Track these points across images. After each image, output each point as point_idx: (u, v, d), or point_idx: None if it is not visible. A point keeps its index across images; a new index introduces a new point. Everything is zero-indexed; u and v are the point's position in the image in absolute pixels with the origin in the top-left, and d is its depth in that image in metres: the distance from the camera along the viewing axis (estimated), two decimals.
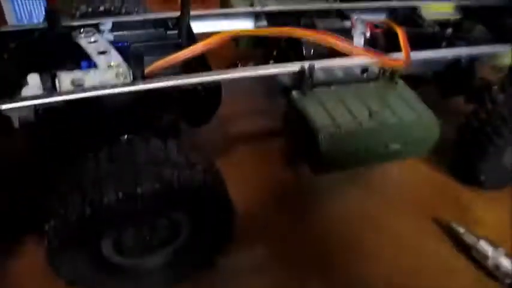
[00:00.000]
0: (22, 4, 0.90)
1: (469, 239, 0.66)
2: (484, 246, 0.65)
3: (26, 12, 0.92)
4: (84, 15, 0.70)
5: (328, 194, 0.73)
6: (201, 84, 0.56)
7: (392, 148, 0.61)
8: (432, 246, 0.68)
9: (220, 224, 0.54)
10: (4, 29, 0.65)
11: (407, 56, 0.65)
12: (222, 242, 0.56)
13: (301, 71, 0.60)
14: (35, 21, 0.93)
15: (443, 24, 0.90)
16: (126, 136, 0.53)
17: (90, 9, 0.71)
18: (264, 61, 0.69)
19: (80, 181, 0.47)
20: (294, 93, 0.62)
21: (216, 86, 0.57)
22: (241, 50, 0.77)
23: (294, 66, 0.61)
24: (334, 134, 0.56)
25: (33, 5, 0.92)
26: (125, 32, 0.68)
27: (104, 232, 0.49)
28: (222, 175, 0.54)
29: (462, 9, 0.93)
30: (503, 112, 0.69)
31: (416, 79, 0.77)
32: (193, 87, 0.56)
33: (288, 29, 0.63)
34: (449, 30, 0.88)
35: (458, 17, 0.92)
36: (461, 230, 0.67)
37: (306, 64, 0.61)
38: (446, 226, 0.69)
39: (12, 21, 0.91)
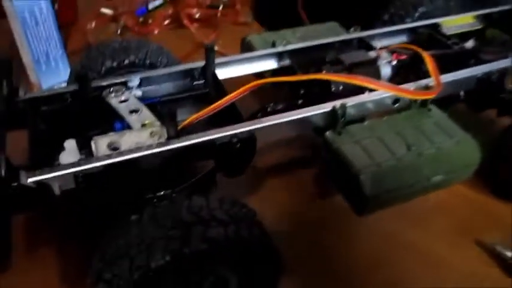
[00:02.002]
0: (38, 45, 0.92)
1: None
2: None
3: (43, 53, 0.94)
4: (110, 71, 0.71)
5: (365, 224, 0.71)
6: (234, 136, 0.56)
7: (435, 180, 0.60)
8: (480, 271, 0.66)
9: (267, 277, 0.54)
10: (35, 94, 0.66)
11: (439, 83, 0.64)
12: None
13: (334, 111, 0.60)
14: (53, 63, 0.95)
15: (466, 36, 0.90)
16: (167, 195, 0.53)
17: (115, 64, 0.72)
18: (292, 100, 0.68)
19: (126, 245, 0.47)
20: (328, 133, 0.61)
21: (250, 137, 0.57)
22: (267, 90, 0.78)
23: (325, 107, 0.61)
24: (375, 174, 0.56)
25: (49, 45, 0.94)
26: (153, 87, 0.69)
27: None
28: (264, 227, 0.54)
29: (484, 17, 0.92)
30: None
31: (447, 99, 0.77)
32: (228, 141, 0.56)
33: (315, 75, 0.63)
34: (475, 44, 0.87)
35: (480, 26, 0.91)
36: (509, 253, 0.65)
37: (338, 103, 0.60)
38: (491, 249, 0.67)
39: (29, 62, 0.92)
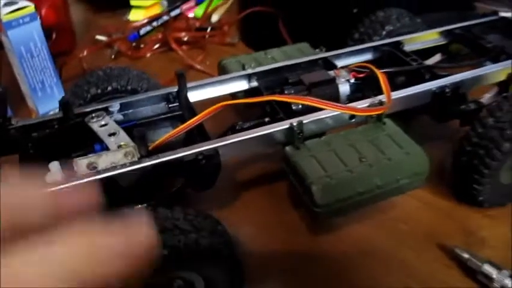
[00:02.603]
0: (34, 75, 1.00)
1: (474, 263, 0.69)
2: (489, 269, 0.67)
3: (39, 82, 1.01)
4: (94, 97, 0.78)
5: (336, 232, 0.77)
6: (200, 153, 0.63)
7: (386, 188, 0.65)
8: (439, 274, 0.71)
9: (231, 283, 0.59)
10: (28, 121, 0.72)
11: (389, 99, 0.70)
12: None
13: (290, 128, 0.66)
14: (48, 90, 1.03)
15: (432, 52, 0.95)
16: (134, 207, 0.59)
17: (99, 91, 0.79)
18: (260, 117, 0.74)
19: None
20: (288, 148, 0.67)
21: (214, 154, 0.63)
22: (241, 108, 0.84)
23: (284, 124, 0.67)
24: (326, 184, 0.61)
25: (44, 74, 1.02)
26: (133, 111, 0.76)
27: None
28: (229, 235, 0.60)
29: (448, 33, 0.97)
30: (493, 135, 0.72)
31: (408, 112, 0.82)
32: (194, 158, 0.62)
33: (270, 97, 0.69)
34: (433, 59, 0.93)
35: (443, 42, 0.97)
36: (466, 255, 0.70)
37: (295, 121, 0.66)
38: (451, 252, 0.72)
39: (26, 90, 1.01)
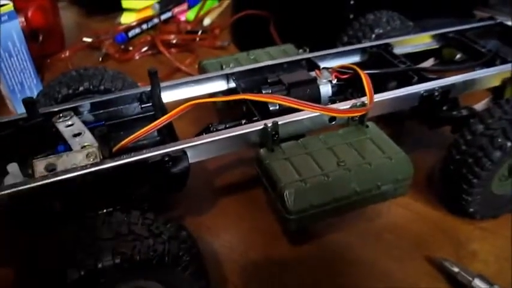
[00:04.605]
0: (12, 75, 0.97)
1: (464, 278, 0.64)
2: (479, 284, 0.63)
3: (18, 83, 0.99)
4: (66, 98, 0.75)
5: (316, 239, 0.73)
6: (167, 155, 0.59)
7: (365, 194, 0.61)
8: (426, 286, 0.66)
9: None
10: None
11: (371, 100, 0.66)
12: None
13: (265, 129, 0.62)
14: (27, 91, 1.00)
15: (421, 56, 0.91)
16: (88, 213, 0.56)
17: (70, 91, 0.75)
18: (238, 119, 0.70)
19: (46, 263, 0.49)
20: (261, 150, 0.63)
21: (182, 156, 0.59)
22: (220, 111, 0.80)
23: (258, 125, 0.63)
24: (299, 189, 0.57)
25: (23, 75, 0.99)
26: (103, 111, 0.72)
27: None
28: (192, 240, 0.56)
29: (441, 37, 0.93)
30: (483, 143, 0.68)
31: (397, 116, 0.78)
32: (160, 159, 0.58)
33: (243, 95, 0.65)
34: (425, 64, 0.89)
35: (436, 46, 0.93)
36: (456, 269, 0.65)
37: (269, 122, 0.62)
38: (439, 264, 0.67)
39: (5, 92, 0.99)
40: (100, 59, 1.26)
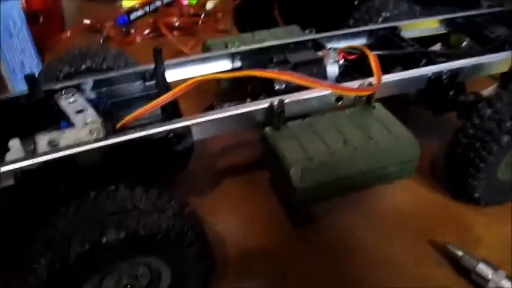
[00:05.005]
0: (13, 55, 0.96)
1: (468, 262, 0.63)
2: (484, 269, 0.62)
3: (19, 63, 0.97)
4: (67, 76, 0.74)
5: (319, 222, 0.72)
6: (171, 131, 0.58)
7: (371, 174, 0.60)
8: (430, 271, 0.65)
9: (200, 268, 0.54)
10: None
11: (379, 80, 0.65)
12: (205, 284, 0.57)
13: (271, 107, 0.61)
14: (28, 72, 0.98)
15: (429, 40, 0.90)
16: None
17: (72, 70, 0.74)
18: (243, 99, 0.69)
19: (50, 237, 0.48)
20: (267, 129, 0.62)
21: (186, 132, 0.58)
22: (224, 91, 0.79)
23: (264, 103, 0.62)
24: (306, 167, 0.56)
25: (24, 56, 0.98)
26: (106, 89, 0.71)
27: (80, 285, 0.50)
28: (196, 218, 0.55)
29: (449, 22, 0.92)
30: (491, 127, 0.67)
31: (403, 99, 0.77)
32: (164, 136, 0.57)
33: (249, 72, 0.64)
34: (434, 46, 0.88)
35: (444, 31, 0.92)
36: (460, 252, 0.65)
37: (276, 100, 0.61)
38: (443, 249, 0.67)
39: (5, 72, 0.96)
40: (101, 41, 1.24)
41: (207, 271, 0.56)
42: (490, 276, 0.61)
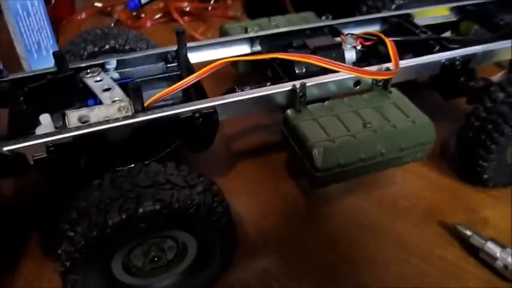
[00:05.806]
0: (30, 35, 0.97)
1: (476, 241, 0.66)
2: (492, 247, 0.65)
3: (35, 42, 0.98)
4: (91, 55, 0.75)
5: (332, 204, 0.75)
6: (197, 111, 0.60)
7: (389, 156, 0.62)
8: (439, 250, 0.68)
9: (225, 242, 0.57)
10: (19, 75, 0.70)
11: (396, 65, 0.67)
12: (228, 258, 0.59)
13: (293, 90, 0.63)
14: (44, 52, 0.99)
15: (439, 28, 0.92)
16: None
17: (96, 49, 0.76)
18: (262, 83, 0.71)
19: (87, 206, 0.50)
20: (289, 111, 0.64)
21: (212, 112, 0.60)
22: (241, 75, 0.81)
23: (286, 86, 0.64)
24: (328, 148, 0.59)
25: (40, 35, 0.99)
26: (129, 69, 0.73)
27: (112, 254, 0.52)
28: (223, 195, 0.57)
29: (459, 10, 0.94)
30: (503, 110, 0.69)
31: (416, 84, 0.79)
32: (191, 116, 0.59)
33: (273, 54, 0.66)
34: (444, 34, 0.90)
35: (454, 19, 0.94)
36: (468, 232, 0.68)
37: (298, 83, 0.63)
38: (452, 229, 0.70)
39: (21, 51, 0.98)
40: (112, 25, 1.25)
41: (231, 246, 0.59)
42: (498, 255, 0.64)
